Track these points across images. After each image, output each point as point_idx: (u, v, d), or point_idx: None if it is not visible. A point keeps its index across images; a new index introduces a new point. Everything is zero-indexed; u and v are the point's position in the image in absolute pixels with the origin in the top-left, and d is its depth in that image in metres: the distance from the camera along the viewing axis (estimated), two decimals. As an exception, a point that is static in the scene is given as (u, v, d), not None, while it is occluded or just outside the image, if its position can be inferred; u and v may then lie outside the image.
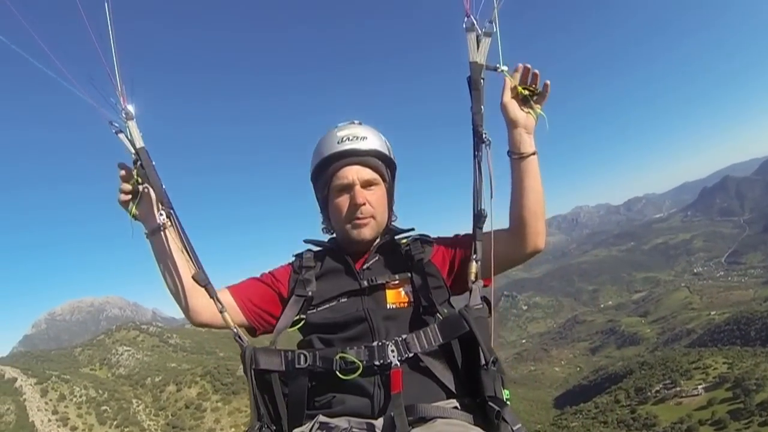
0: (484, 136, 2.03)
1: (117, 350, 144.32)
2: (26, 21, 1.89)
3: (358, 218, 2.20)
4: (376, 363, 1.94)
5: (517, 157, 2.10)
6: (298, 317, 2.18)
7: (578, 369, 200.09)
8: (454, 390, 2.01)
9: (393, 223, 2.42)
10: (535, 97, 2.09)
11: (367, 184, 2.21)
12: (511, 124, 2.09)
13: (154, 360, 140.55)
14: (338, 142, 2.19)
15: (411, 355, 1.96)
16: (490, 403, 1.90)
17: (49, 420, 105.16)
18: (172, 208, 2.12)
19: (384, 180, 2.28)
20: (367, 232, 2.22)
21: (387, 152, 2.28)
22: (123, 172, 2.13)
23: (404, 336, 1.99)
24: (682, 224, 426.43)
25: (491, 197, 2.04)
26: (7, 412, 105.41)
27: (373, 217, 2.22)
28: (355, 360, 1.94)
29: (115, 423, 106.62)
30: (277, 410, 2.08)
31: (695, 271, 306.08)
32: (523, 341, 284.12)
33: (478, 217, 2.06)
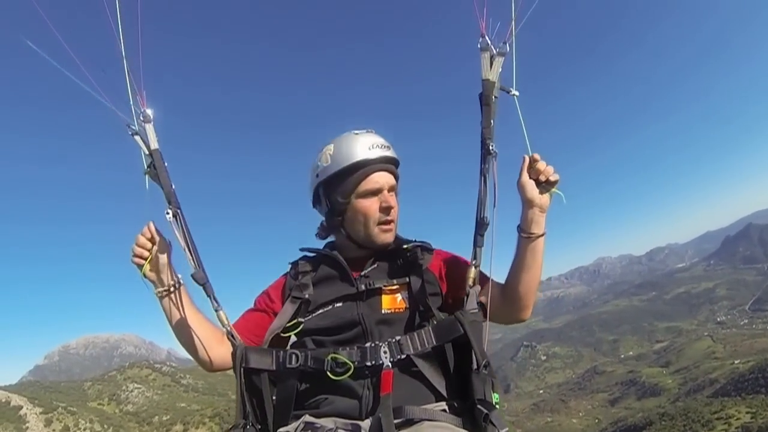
0: (491, 148, 2.10)
1: (127, 387, 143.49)
2: (48, 18, 1.95)
3: (388, 221, 2.28)
4: (368, 364, 1.97)
5: (526, 236, 2.14)
6: (295, 321, 2.20)
7: (596, 421, 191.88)
8: (444, 393, 2.04)
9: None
10: (552, 179, 2.13)
11: (391, 190, 2.30)
12: (527, 204, 2.13)
13: (164, 399, 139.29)
14: (369, 148, 2.23)
15: (403, 356, 1.99)
16: (479, 406, 1.92)
17: None
18: (179, 208, 2.17)
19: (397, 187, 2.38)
20: (390, 237, 2.31)
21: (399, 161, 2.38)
22: (143, 238, 2.20)
23: (398, 338, 2.03)
24: (705, 273, 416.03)
25: (494, 206, 2.11)
26: None
27: (395, 221, 2.32)
28: (347, 361, 1.96)
29: None
30: (264, 409, 2.11)
31: (718, 319, 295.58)
32: (541, 391, 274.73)
33: (481, 225, 2.12)
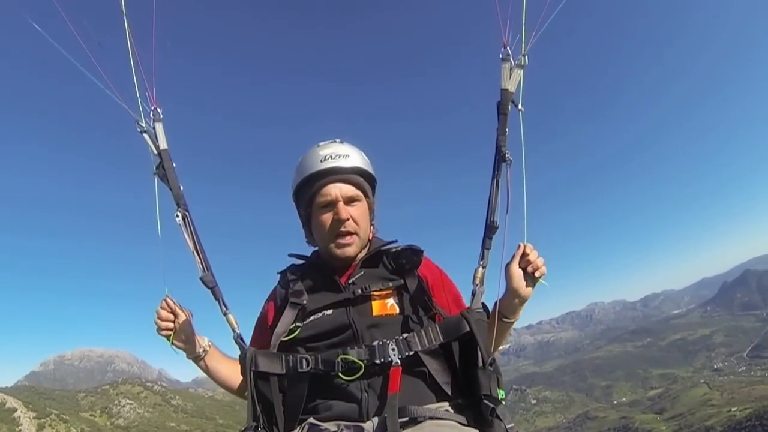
0: (506, 156, 2.14)
1: (120, 401, 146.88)
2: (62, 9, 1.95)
3: (342, 234, 2.28)
4: (377, 362, 2.00)
5: (501, 318, 2.15)
6: (294, 325, 2.23)
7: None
8: (449, 391, 2.08)
9: (378, 237, 2.51)
10: (538, 274, 2.14)
11: (349, 201, 2.29)
12: (512, 293, 2.13)
13: (154, 417, 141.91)
14: (321, 161, 2.26)
15: (411, 353, 2.03)
16: (485, 401, 1.96)
17: None
18: (188, 210, 2.20)
19: (366, 196, 2.38)
20: (350, 250, 2.31)
21: (368, 169, 2.37)
22: (164, 312, 2.23)
23: (405, 335, 2.07)
24: (702, 319, 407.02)
25: (507, 212, 2.13)
26: None
27: (356, 233, 2.31)
28: (356, 360, 2.00)
29: None
30: (272, 413, 2.14)
31: (715, 366, 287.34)
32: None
33: (490, 228, 2.15)
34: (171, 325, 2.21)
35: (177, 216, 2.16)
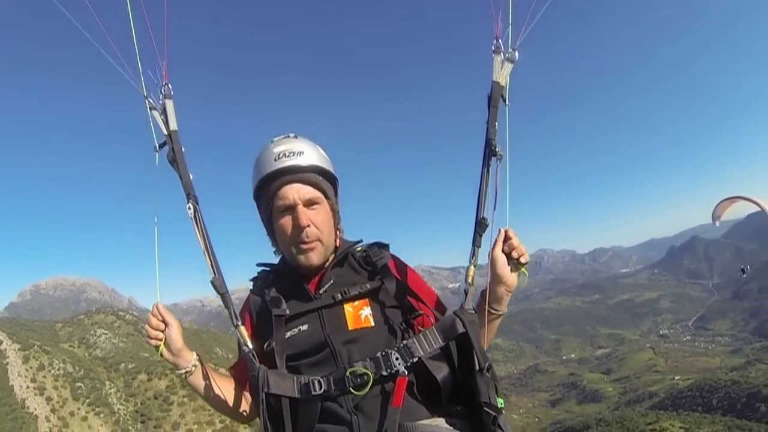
0: (496, 149, 2.04)
1: (95, 332, 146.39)
2: None
3: (304, 242, 2.11)
4: (384, 373, 1.89)
5: (488, 310, 2.09)
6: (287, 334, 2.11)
7: (537, 419, 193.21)
8: (449, 398, 1.98)
9: (344, 238, 2.36)
10: (522, 260, 2.10)
11: (309, 204, 2.12)
12: (496, 279, 2.08)
13: (128, 347, 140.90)
14: (275, 159, 2.08)
15: (415, 360, 1.92)
16: (486, 410, 1.86)
17: (27, 387, 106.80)
18: (198, 203, 2.07)
19: (326, 197, 2.18)
20: (314, 257, 2.14)
21: (327, 166, 2.19)
22: (155, 320, 2.13)
23: (405, 342, 1.95)
24: (649, 282, 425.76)
25: (494, 208, 2.05)
26: None
27: (319, 240, 2.14)
28: (367, 372, 1.88)
29: (87, 401, 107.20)
30: None
31: (661, 332, 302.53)
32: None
33: (480, 225, 2.07)
34: (161, 335, 2.12)
35: (189, 209, 2.02)
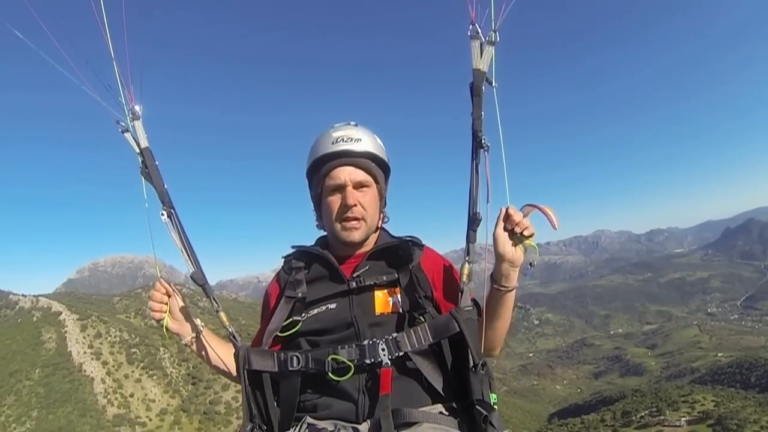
0: (483, 141, 2.00)
1: None
2: (35, 11, 1.88)
3: (348, 219, 2.18)
4: (367, 362, 1.93)
5: (497, 288, 2.08)
6: (290, 320, 2.16)
7: (579, 390, 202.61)
8: (441, 392, 2.01)
9: (385, 228, 2.43)
10: (526, 233, 2.02)
11: (359, 186, 2.19)
12: (499, 258, 2.04)
13: None
14: (333, 143, 2.17)
15: (401, 353, 1.95)
16: (478, 407, 1.89)
17: (85, 353, 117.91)
18: (173, 208, 2.15)
19: (376, 182, 2.26)
20: (356, 235, 2.21)
21: (381, 155, 2.26)
22: (158, 294, 2.22)
23: (394, 335, 1.98)
24: (702, 262, 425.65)
25: (487, 201, 2.02)
26: (49, 340, 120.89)
27: (363, 219, 2.21)
28: (346, 360, 1.93)
29: (142, 365, 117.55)
30: (268, 411, 2.09)
31: (709, 310, 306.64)
32: (531, 355, 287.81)
33: (473, 221, 2.04)
34: (165, 307, 2.20)
35: (162, 214, 2.11)
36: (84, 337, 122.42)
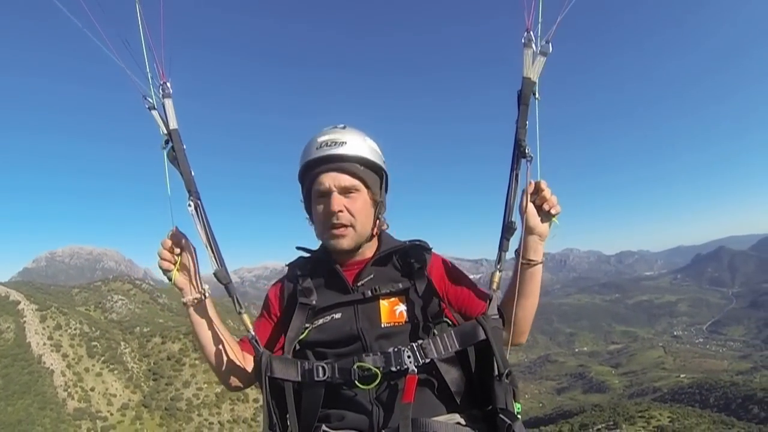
0: (526, 150, 1.96)
1: (112, 297, 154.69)
2: None
3: (335, 226, 2.12)
4: (393, 369, 1.90)
5: (526, 263, 2.08)
6: (307, 326, 2.13)
7: (540, 405, 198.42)
8: (462, 401, 2.00)
9: (389, 233, 2.35)
10: (553, 211, 2.06)
11: (345, 191, 2.12)
12: (528, 231, 2.04)
13: (144, 313, 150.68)
14: (317, 148, 2.11)
15: (428, 360, 1.92)
16: (501, 416, 1.87)
17: (44, 344, 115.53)
18: (200, 199, 2.04)
19: (367, 187, 2.17)
20: (343, 242, 2.14)
21: (372, 158, 2.17)
22: (169, 242, 2.09)
23: (421, 341, 1.95)
24: (671, 286, 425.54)
25: (524, 211, 2.02)
26: (7, 330, 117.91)
27: (352, 225, 2.14)
28: (372, 367, 1.89)
29: (102, 359, 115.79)
30: (285, 419, 2.05)
31: (675, 333, 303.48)
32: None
33: (508, 229, 2.02)
34: (174, 258, 2.09)
35: (189, 205, 2.00)
36: (44, 329, 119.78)
